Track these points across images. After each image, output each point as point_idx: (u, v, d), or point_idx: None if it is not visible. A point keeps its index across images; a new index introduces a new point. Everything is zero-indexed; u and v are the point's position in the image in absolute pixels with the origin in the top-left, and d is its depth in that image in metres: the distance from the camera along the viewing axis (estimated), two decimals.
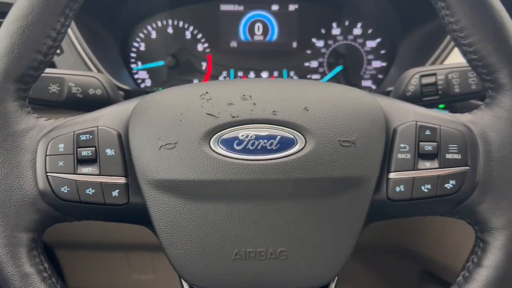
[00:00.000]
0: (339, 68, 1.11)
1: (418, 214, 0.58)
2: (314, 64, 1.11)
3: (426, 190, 0.53)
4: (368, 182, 0.53)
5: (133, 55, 1.11)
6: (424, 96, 0.80)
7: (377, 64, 1.11)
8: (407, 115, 0.56)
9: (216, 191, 0.52)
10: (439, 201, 0.55)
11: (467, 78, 0.78)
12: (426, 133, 0.54)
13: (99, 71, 0.96)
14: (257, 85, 0.58)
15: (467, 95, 0.79)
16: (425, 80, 0.80)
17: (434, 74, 0.80)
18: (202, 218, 0.52)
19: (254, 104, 0.53)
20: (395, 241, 1.14)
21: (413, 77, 0.81)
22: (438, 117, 0.56)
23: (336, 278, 0.57)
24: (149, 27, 1.09)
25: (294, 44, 1.11)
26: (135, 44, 1.10)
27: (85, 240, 1.15)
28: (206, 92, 0.55)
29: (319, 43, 1.10)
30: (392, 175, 0.54)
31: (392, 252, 1.19)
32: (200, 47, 1.11)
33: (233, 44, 1.11)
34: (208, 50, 1.11)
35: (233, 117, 0.53)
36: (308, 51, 1.11)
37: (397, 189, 0.54)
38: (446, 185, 0.54)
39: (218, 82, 0.60)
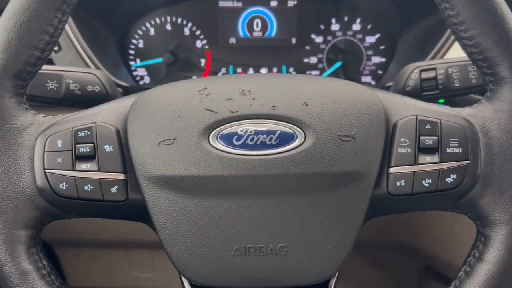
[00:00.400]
0: (338, 64, 1.10)
1: (419, 209, 0.58)
2: (313, 60, 1.11)
3: (426, 185, 0.53)
4: (368, 177, 0.53)
5: (131, 52, 1.10)
6: (424, 91, 0.80)
7: (376, 59, 1.11)
8: (407, 109, 0.55)
9: (215, 187, 0.51)
10: (440, 196, 0.54)
11: (467, 72, 0.78)
12: (427, 127, 0.54)
13: (97, 68, 0.96)
14: (256, 80, 0.57)
15: (467, 89, 0.79)
16: (425, 75, 0.80)
17: (434, 69, 0.79)
18: (201, 214, 0.52)
19: (253, 99, 0.53)
20: (396, 237, 1.14)
21: (413, 72, 0.80)
22: (438, 111, 0.56)
23: (337, 274, 0.57)
24: (147, 24, 1.09)
25: (293, 40, 1.10)
26: (134, 41, 1.10)
27: (85, 238, 1.15)
28: (205, 88, 0.54)
29: (318, 39, 1.10)
30: (392, 170, 0.54)
31: (393, 248, 1.19)
32: (198, 44, 1.10)
33: (232, 40, 1.10)
34: (206, 47, 1.10)
35: (232, 112, 0.52)
36: (307, 47, 1.10)
37: (398, 183, 0.53)
38: (447, 180, 0.53)
39: (217, 77, 0.60)
